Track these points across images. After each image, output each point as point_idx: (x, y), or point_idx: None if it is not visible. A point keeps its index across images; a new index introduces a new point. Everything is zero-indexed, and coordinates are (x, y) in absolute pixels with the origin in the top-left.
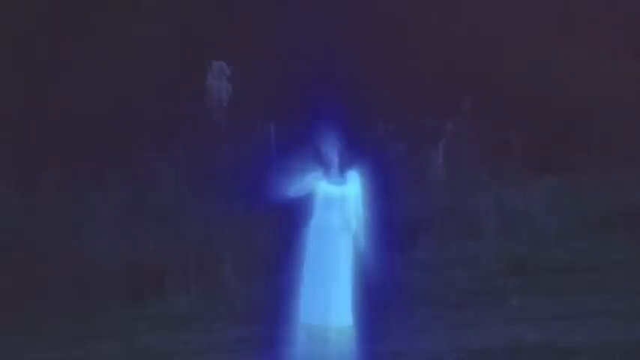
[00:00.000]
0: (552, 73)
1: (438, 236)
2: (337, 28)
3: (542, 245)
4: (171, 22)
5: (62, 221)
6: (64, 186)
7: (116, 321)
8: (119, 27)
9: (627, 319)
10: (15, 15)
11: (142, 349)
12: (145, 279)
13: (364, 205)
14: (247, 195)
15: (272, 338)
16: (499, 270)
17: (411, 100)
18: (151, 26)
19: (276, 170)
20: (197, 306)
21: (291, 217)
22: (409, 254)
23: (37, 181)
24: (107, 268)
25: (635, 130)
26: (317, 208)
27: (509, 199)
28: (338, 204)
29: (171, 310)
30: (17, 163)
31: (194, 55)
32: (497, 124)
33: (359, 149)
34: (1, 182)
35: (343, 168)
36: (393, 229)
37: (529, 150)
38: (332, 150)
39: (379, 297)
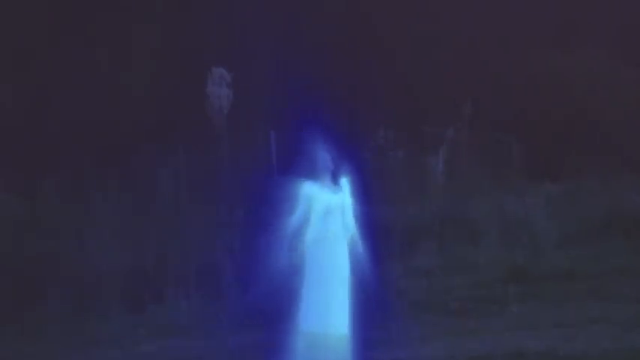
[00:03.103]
0: (552, 80)
1: (438, 243)
2: (337, 35)
3: (543, 252)
4: (172, 29)
5: (62, 228)
6: (64, 192)
7: (117, 328)
8: (119, 33)
9: (627, 326)
10: (14, 22)
11: (142, 355)
12: (146, 286)
13: (363, 212)
14: (248, 201)
15: (272, 345)
16: (499, 277)
17: (411, 107)
18: (151, 32)
19: (276, 177)
20: (197, 312)
21: (291, 224)
22: (409, 261)
23: (37, 187)
24: (108, 275)
25: (634, 137)
26: (315, 215)
27: (510, 205)
28: (336, 211)
29: (171, 317)
30: (17, 169)
31: (194, 62)
32: (497, 131)
33: (359, 156)
34: (1, 188)
35: (342, 175)
36: (393, 236)
37: (529, 156)
38: (331, 157)
39: (379, 304)
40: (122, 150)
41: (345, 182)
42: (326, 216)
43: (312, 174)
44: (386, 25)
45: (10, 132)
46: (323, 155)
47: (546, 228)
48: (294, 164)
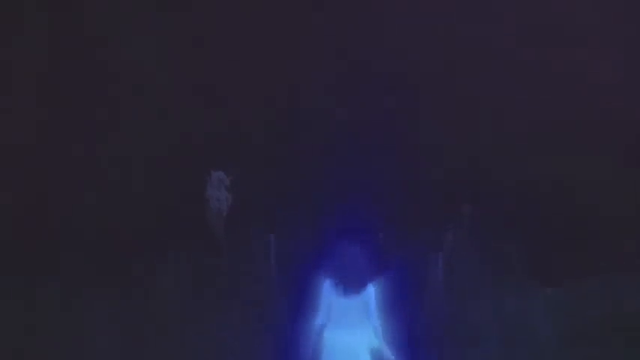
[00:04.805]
0: (551, 183)
1: (438, 345)
2: (335, 135)
3: (543, 354)
4: (169, 133)
5: (62, 332)
6: (63, 297)
7: None
8: (117, 134)
9: None
10: (10, 119)
11: None
12: None
13: (374, 313)
14: (249, 303)
15: None
16: None
17: (410, 210)
18: (149, 135)
19: (276, 279)
20: None
21: (294, 326)
22: None
23: (36, 292)
24: None
25: (634, 239)
26: (320, 316)
27: (510, 308)
28: (342, 312)
29: None
30: (16, 274)
31: (193, 165)
32: (497, 233)
33: (360, 259)
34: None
35: (345, 278)
36: (393, 337)
37: (529, 259)
38: (332, 260)
39: None
40: (121, 254)
41: (347, 286)
42: (328, 315)
43: (314, 276)
44: (385, 125)
45: (8, 235)
46: (324, 258)
47: (546, 330)
48: (293, 266)
